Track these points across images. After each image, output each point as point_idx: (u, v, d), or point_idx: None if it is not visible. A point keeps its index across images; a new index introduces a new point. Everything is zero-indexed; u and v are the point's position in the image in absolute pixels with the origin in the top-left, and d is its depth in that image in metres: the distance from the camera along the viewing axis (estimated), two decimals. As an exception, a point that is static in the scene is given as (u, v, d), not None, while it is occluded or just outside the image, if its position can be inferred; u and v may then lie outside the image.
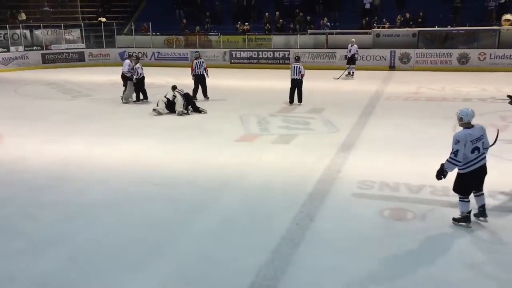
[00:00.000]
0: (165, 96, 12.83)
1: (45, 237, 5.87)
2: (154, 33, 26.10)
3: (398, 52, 21.07)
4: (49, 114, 13.11)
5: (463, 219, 5.89)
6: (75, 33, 25.78)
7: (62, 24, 25.43)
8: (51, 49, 24.95)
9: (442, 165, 5.80)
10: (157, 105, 12.70)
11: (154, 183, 7.59)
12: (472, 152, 5.61)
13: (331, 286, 4.71)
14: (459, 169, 5.76)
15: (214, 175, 7.89)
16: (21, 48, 24.17)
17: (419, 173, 7.65)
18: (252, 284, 4.76)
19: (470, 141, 5.57)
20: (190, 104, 12.80)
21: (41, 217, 6.46)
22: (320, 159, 8.54)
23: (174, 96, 12.63)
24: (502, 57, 19.88)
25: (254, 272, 4.95)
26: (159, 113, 12.52)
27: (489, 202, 6.58)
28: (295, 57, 14.61)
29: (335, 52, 21.87)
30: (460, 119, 5.71)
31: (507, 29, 20.41)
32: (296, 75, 13.57)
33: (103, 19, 27.42)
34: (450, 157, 5.67)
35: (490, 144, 5.98)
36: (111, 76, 20.71)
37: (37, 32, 25.03)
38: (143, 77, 14.35)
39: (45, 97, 16.21)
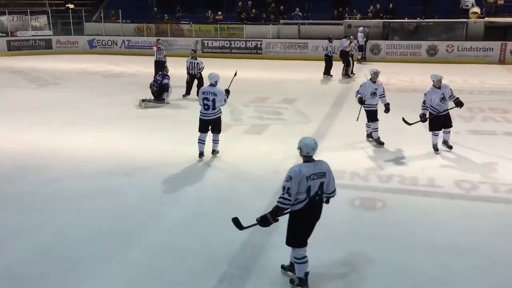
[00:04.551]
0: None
1: (12, 228, 5.74)
2: (124, 21, 25.59)
3: (369, 43, 21.31)
4: (15, 103, 12.74)
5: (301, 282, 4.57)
6: (42, 20, 25.05)
7: (28, 10, 24.66)
8: (17, 36, 24.18)
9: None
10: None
11: (126, 173, 7.50)
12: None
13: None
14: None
15: (186, 165, 7.85)
16: (-15, 34, 23.42)
17: (388, 163, 7.81)
18: (225, 274, 4.78)
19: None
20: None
21: (9, 208, 6.32)
22: (292, 149, 8.53)
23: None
24: (469, 49, 20.34)
25: (227, 261, 4.97)
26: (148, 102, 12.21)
27: (455, 191, 6.79)
28: (329, 37, 17.39)
29: (307, 43, 21.97)
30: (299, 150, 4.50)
31: (475, 22, 20.88)
32: (328, 52, 16.93)
33: (71, 6, 26.69)
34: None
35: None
36: (80, 64, 20.30)
37: (2, 18, 24.22)
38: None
39: (10, 86, 15.70)
